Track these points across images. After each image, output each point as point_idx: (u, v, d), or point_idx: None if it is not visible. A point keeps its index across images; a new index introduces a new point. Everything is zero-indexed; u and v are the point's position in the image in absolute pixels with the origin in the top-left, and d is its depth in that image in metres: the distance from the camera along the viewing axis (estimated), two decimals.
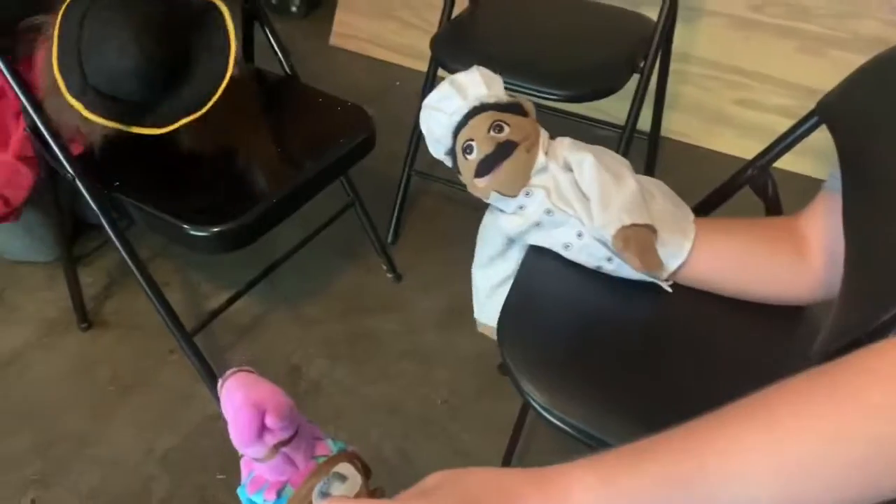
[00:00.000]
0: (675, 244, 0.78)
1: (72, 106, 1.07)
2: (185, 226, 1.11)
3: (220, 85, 1.09)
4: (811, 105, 0.89)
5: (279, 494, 0.56)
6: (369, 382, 1.45)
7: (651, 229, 0.77)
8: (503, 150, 0.76)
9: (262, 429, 0.53)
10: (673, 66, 1.75)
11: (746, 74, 1.96)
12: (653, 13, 1.55)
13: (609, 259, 0.79)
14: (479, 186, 0.78)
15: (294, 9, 2.54)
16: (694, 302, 0.83)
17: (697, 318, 0.84)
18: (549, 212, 0.78)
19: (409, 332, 1.54)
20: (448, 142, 0.80)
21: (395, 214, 1.72)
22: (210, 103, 1.10)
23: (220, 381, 0.55)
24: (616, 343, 0.81)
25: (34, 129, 1.13)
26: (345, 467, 0.55)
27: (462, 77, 0.80)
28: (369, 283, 1.65)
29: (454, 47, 1.49)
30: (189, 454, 1.33)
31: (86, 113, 1.06)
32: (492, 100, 0.78)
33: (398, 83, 2.29)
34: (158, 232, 1.21)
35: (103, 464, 1.31)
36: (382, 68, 2.35)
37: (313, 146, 1.29)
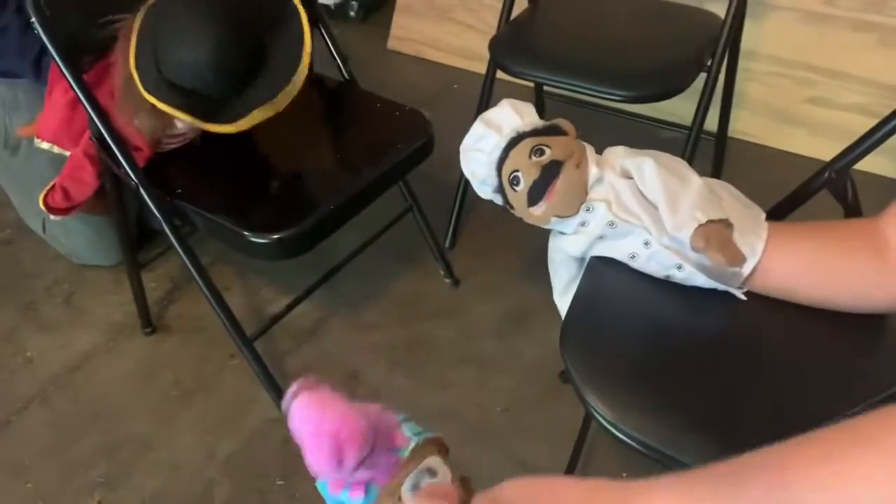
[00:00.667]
0: (748, 244, 0.75)
1: (146, 100, 1.07)
2: (246, 233, 1.11)
3: (292, 78, 1.08)
4: (889, 102, 0.84)
5: (367, 490, 0.56)
6: (427, 389, 1.43)
7: (727, 224, 0.73)
8: (550, 172, 0.73)
9: (341, 460, 0.52)
10: (740, 63, 1.69)
11: (818, 71, 1.88)
12: (719, 9, 1.49)
13: (679, 267, 0.75)
14: (535, 215, 0.76)
15: (352, 13, 2.55)
16: (769, 311, 0.78)
17: (774, 327, 0.79)
18: (611, 224, 0.75)
19: (466, 338, 1.52)
20: (494, 180, 0.77)
21: (453, 219, 1.71)
22: (285, 97, 1.10)
23: (287, 397, 0.54)
24: (687, 354, 0.77)
25: (99, 138, 1.15)
26: (434, 460, 0.54)
27: (493, 113, 0.78)
28: (427, 288, 1.64)
29: (513, 49, 1.47)
30: (249, 459, 1.34)
31: (160, 104, 1.06)
32: (528, 128, 0.76)
33: (456, 86, 2.27)
34: (219, 238, 1.21)
35: (166, 468, 1.32)
36: (440, 71, 2.34)
37: (371, 152, 1.28)
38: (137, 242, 1.67)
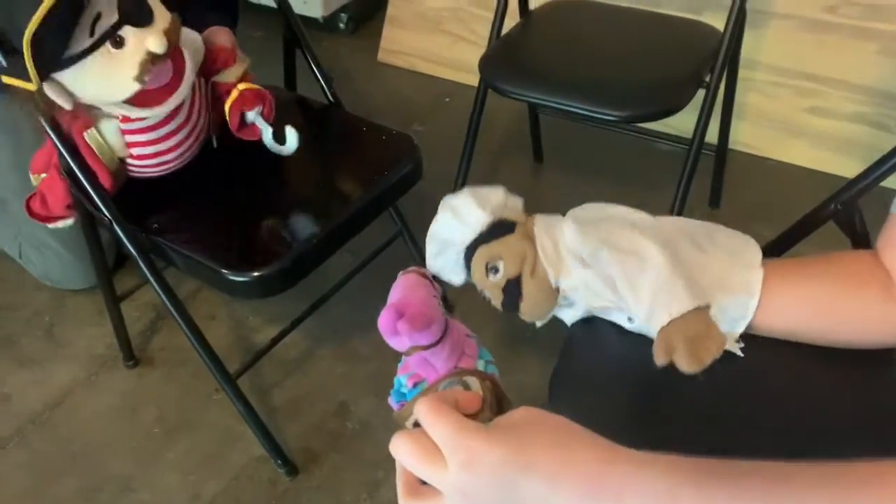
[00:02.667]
0: (738, 306, 0.68)
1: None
2: (223, 270, 1.06)
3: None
4: (892, 112, 0.78)
5: (416, 385, 0.67)
6: None
7: (698, 311, 0.65)
8: (513, 292, 0.70)
9: (396, 329, 0.63)
10: (739, 73, 1.64)
11: (819, 80, 1.83)
12: (715, 19, 1.44)
13: None
14: (524, 318, 0.73)
15: (342, 25, 2.49)
16: (771, 354, 0.72)
17: (776, 372, 0.73)
18: (590, 311, 0.72)
19: None
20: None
21: None
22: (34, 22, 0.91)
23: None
24: (684, 407, 0.71)
25: (69, 173, 1.10)
26: (472, 381, 0.60)
27: (435, 232, 0.75)
28: None
29: (504, 68, 1.41)
30: (236, 500, 1.28)
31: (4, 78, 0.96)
32: (474, 235, 0.71)
33: (448, 99, 2.22)
34: (197, 276, 1.16)
35: None
36: (432, 84, 2.29)
37: (357, 179, 1.22)
38: (117, 265, 1.61)
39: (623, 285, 0.67)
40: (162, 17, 1.00)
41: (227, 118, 1.16)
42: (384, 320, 0.63)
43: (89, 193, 1.10)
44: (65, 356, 1.54)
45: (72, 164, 1.07)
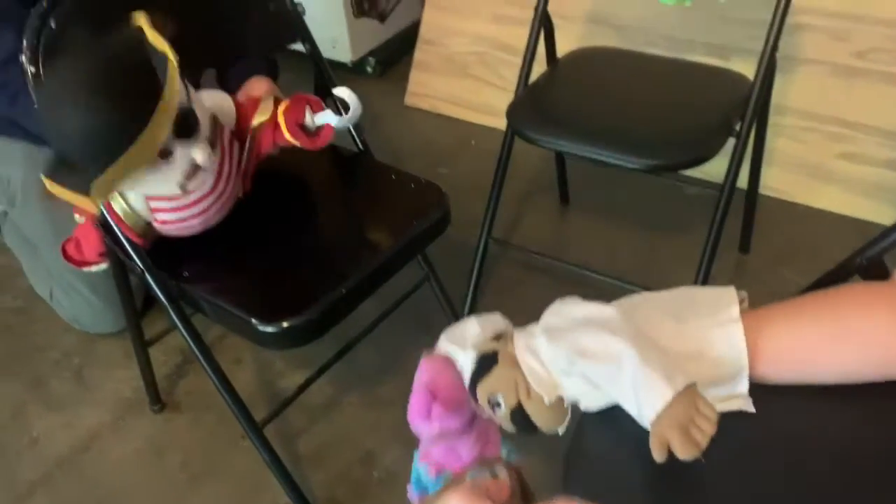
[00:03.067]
0: (729, 365, 0.67)
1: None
2: (253, 320, 1.06)
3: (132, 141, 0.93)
4: None
5: (438, 475, 0.66)
6: None
7: (682, 393, 0.63)
8: (522, 419, 0.69)
9: (430, 412, 0.62)
10: (769, 118, 1.63)
11: (850, 126, 1.81)
12: (744, 66, 1.43)
13: None
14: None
15: (370, 69, 2.53)
16: (786, 404, 0.69)
17: (797, 423, 0.71)
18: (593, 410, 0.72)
19: None
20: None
21: (472, 286, 1.64)
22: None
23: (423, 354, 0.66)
24: (705, 479, 0.68)
25: (103, 224, 1.11)
26: (500, 470, 0.57)
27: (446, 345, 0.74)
28: None
29: (531, 116, 1.42)
30: None
31: (48, 183, 0.98)
32: (468, 377, 0.71)
33: (473, 142, 2.23)
34: (226, 325, 1.16)
35: None
36: (458, 127, 2.31)
37: (387, 228, 1.22)
38: (145, 308, 1.62)
39: (607, 390, 0.68)
40: (205, 123, 1.01)
41: (303, 145, 1.16)
42: (417, 405, 0.62)
43: (122, 243, 1.11)
44: (92, 400, 1.55)
45: (106, 214, 1.08)
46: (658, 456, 0.62)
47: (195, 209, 1.11)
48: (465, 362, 0.71)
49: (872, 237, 0.86)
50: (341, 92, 1.19)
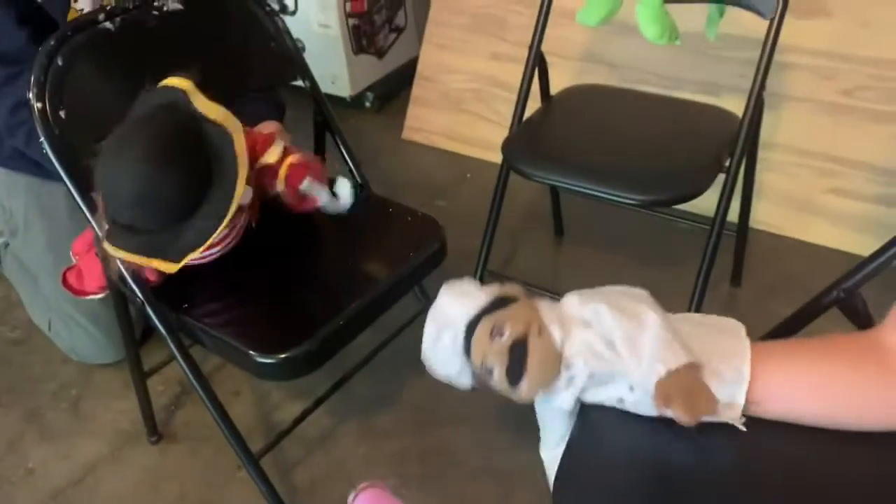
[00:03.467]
0: (733, 370, 0.70)
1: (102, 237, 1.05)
2: (251, 352, 1.08)
3: (222, 222, 1.01)
4: None
5: None
6: None
7: (692, 366, 0.68)
8: (519, 354, 0.70)
9: None
10: (759, 153, 1.66)
11: (838, 161, 1.85)
12: (733, 103, 1.47)
13: None
14: (523, 397, 0.72)
15: (368, 104, 2.57)
16: (776, 437, 0.72)
17: (783, 456, 0.72)
18: (592, 375, 0.72)
19: (486, 447, 1.46)
20: (467, 367, 0.74)
21: None
22: (210, 239, 1.02)
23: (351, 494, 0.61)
24: (694, 499, 0.71)
25: (104, 257, 1.13)
26: None
27: (438, 311, 0.76)
28: (443, 391, 1.54)
29: (526, 152, 1.45)
30: None
31: (107, 246, 1.03)
32: (477, 310, 0.73)
33: (469, 175, 2.27)
34: (224, 357, 1.18)
35: None
36: (454, 160, 2.34)
37: (384, 261, 1.25)
38: (144, 339, 1.64)
39: (622, 343, 0.69)
40: (243, 165, 1.04)
41: (286, 201, 1.19)
42: None
43: (124, 277, 1.13)
44: (89, 431, 1.55)
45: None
46: (660, 408, 0.66)
47: (220, 245, 1.14)
48: (478, 297, 0.73)
49: (849, 270, 0.89)
50: (341, 184, 1.24)
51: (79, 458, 1.50)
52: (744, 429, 0.70)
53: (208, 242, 1.01)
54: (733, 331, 0.74)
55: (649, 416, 0.73)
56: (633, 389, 0.71)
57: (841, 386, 0.71)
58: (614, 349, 0.70)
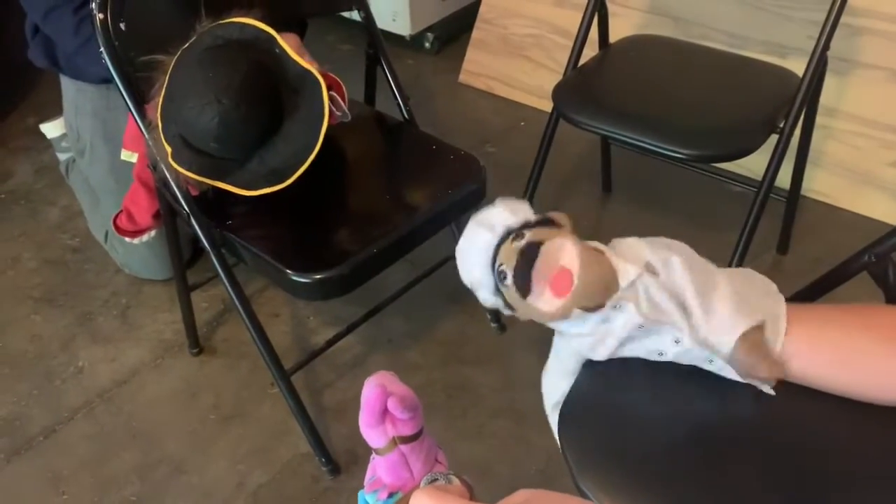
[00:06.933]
0: (771, 325, 0.68)
1: (164, 149, 1.09)
2: (288, 271, 1.11)
3: (307, 158, 1.07)
4: None
5: (390, 496, 0.62)
6: (462, 438, 1.40)
7: (760, 329, 0.67)
8: (528, 255, 0.63)
9: (385, 413, 0.59)
10: (819, 120, 1.61)
11: None
12: (798, 66, 1.42)
13: (710, 361, 0.70)
14: (548, 310, 0.64)
15: (427, 45, 2.56)
16: (798, 399, 0.71)
17: (804, 419, 0.72)
18: (641, 326, 0.67)
19: (508, 388, 1.49)
20: (490, 280, 0.68)
21: None
22: (293, 178, 1.09)
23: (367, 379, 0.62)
24: (702, 445, 0.70)
25: (156, 165, 1.18)
26: (453, 478, 0.58)
27: (485, 213, 0.69)
28: (472, 331, 1.61)
29: (577, 99, 1.44)
30: (278, 493, 1.33)
31: (172, 161, 1.07)
32: (518, 224, 0.66)
33: (523, 123, 2.25)
34: (263, 274, 1.22)
35: (196, 494, 1.33)
36: (509, 107, 2.33)
37: (421, 195, 1.27)
38: (192, 260, 1.70)
39: (693, 296, 0.66)
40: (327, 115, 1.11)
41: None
42: (370, 402, 0.58)
43: (171, 187, 1.17)
44: (135, 338, 1.63)
45: (158, 157, 1.15)
46: (743, 356, 0.66)
47: None
48: (522, 210, 0.67)
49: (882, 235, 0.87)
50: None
51: (125, 362, 1.58)
52: (772, 392, 0.70)
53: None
54: (774, 293, 0.71)
55: (663, 363, 0.72)
56: (680, 342, 0.68)
57: (869, 358, 0.69)
58: (677, 303, 0.66)
